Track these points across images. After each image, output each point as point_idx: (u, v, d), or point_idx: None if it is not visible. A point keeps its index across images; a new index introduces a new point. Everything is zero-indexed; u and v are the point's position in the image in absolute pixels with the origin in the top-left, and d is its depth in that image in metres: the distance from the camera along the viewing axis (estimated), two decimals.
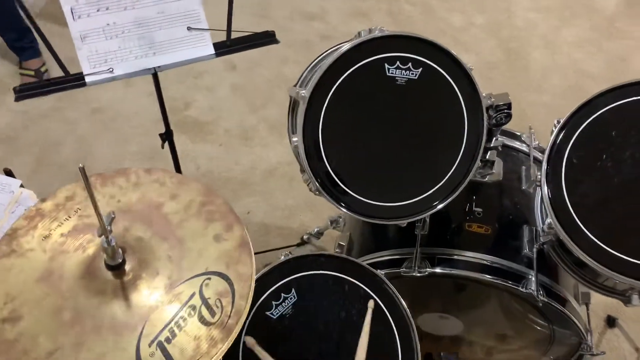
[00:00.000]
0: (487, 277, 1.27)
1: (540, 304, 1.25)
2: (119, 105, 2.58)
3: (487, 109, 1.21)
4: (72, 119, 2.53)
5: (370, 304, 1.12)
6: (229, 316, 0.86)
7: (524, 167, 1.47)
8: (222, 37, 1.29)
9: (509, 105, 1.23)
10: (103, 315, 0.83)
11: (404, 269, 1.30)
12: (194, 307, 0.86)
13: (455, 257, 1.31)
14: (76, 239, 0.91)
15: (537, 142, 1.54)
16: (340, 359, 1.10)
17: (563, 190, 1.10)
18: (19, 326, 0.81)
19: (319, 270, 1.18)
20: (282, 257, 1.20)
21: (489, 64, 2.86)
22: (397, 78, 1.13)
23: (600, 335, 1.85)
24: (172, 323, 0.84)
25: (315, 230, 1.99)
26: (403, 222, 1.17)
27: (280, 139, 2.47)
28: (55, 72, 1.22)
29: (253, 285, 0.89)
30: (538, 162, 1.47)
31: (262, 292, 1.14)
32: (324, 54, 1.29)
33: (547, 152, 1.12)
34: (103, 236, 0.83)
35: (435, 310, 1.48)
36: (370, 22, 3.14)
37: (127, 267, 0.88)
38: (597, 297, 1.33)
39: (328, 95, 1.12)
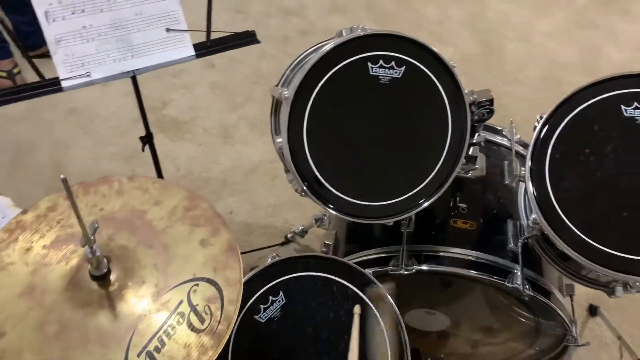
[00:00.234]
0: (473, 273, 1.28)
1: (527, 298, 1.26)
2: (95, 105, 2.54)
3: (470, 105, 1.22)
4: (47, 120, 2.48)
5: (356, 309, 1.11)
6: (219, 322, 0.85)
7: (506, 162, 1.48)
8: (202, 37, 1.27)
9: (491, 101, 1.24)
10: (89, 327, 0.82)
11: (391, 267, 1.30)
12: (182, 315, 0.84)
13: (442, 253, 1.31)
14: (59, 251, 0.88)
15: (518, 136, 1.55)
16: None
17: (547, 186, 1.10)
18: (2, 342, 0.79)
19: (307, 272, 1.17)
20: (270, 259, 1.19)
21: (466, 57, 2.88)
22: (380, 77, 1.13)
23: (582, 324, 1.88)
24: (161, 332, 0.82)
25: (300, 228, 1.98)
26: (390, 221, 1.17)
27: (261, 137, 2.45)
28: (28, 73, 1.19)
29: (241, 290, 0.88)
30: (520, 156, 1.48)
31: (249, 296, 1.13)
32: (306, 53, 1.27)
33: (530, 148, 1.13)
34: (87, 247, 0.81)
35: (422, 306, 1.48)
36: (348, 17, 3.13)
37: (113, 276, 0.86)
38: (579, 287, 1.35)
39: (312, 95, 1.11)
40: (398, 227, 1.34)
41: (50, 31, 1.11)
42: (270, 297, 1.14)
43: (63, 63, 1.13)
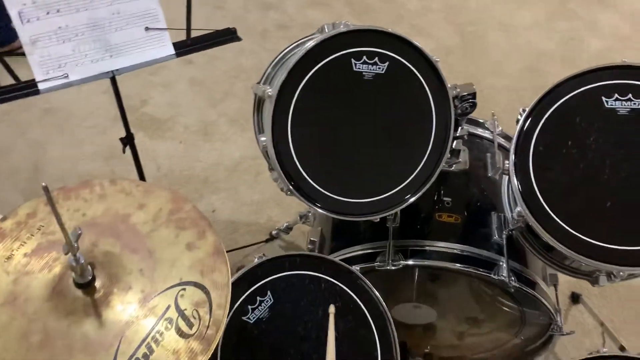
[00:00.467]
0: (459, 266, 1.28)
1: (512, 290, 1.27)
2: (72, 105, 2.49)
3: (453, 99, 1.22)
4: (22, 121, 2.42)
5: (331, 309, 1.10)
6: (207, 326, 0.84)
7: (488, 155, 1.49)
8: (182, 35, 1.25)
9: (473, 95, 1.24)
10: (74, 335, 0.80)
11: (378, 263, 1.30)
12: (170, 320, 0.83)
13: (427, 248, 1.32)
14: (41, 258, 0.86)
15: (500, 129, 1.56)
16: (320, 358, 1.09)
17: (532, 179, 1.11)
18: None
19: (294, 271, 1.17)
20: (256, 259, 1.18)
21: (447, 49, 2.89)
22: (364, 73, 1.12)
23: (565, 311, 1.91)
24: (149, 338, 0.81)
25: (285, 225, 1.97)
26: (376, 218, 1.17)
27: (242, 133, 2.43)
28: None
29: (229, 293, 0.88)
30: (502, 148, 1.49)
31: (237, 297, 1.12)
32: (287, 49, 1.26)
33: (514, 142, 1.13)
34: (70, 254, 0.79)
35: (409, 300, 1.49)
36: (328, 10, 3.12)
37: (98, 283, 0.84)
38: (561, 275, 1.37)
39: (295, 93, 1.10)
40: (384, 223, 1.34)
41: (24, 32, 1.08)
42: (258, 298, 1.13)
43: (39, 65, 1.10)
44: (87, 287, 0.83)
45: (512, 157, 1.12)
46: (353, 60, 1.11)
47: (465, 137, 1.37)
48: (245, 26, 2.98)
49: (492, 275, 1.27)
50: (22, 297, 0.83)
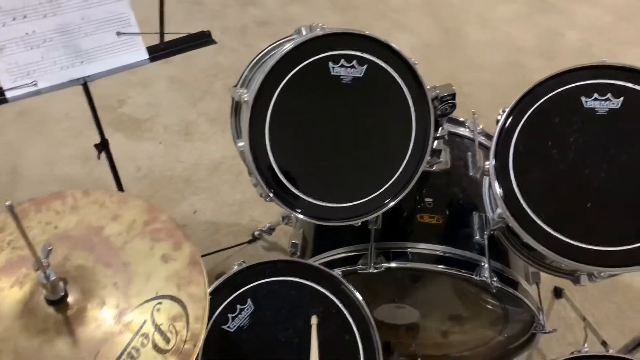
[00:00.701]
0: (441, 267, 1.28)
1: (494, 290, 1.27)
2: (47, 106, 2.43)
3: (433, 100, 1.21)
4: None
5: (313, 320, 1.09)
6: (185, 341, 0.82)
7: (469, 154, 1.49)
8: (156, 38, 1.22)
9: (453, 96, 1.23)
10: (46, 356, 0.78)
11: (360, 266, 1.29)
12: (146, 336, 0.81)
13: (409, 250, 1.31)
14: (11, 275, 0.84)
15: (481, 127, 1.56)
16: None
17: (512, 181, 1.11)
18: None
19: (275, 277, 1.15)
20: (236, 266, 1.16)
21: (428, 44, 2.88)
22: (342, 77, 1.10)
23: (548, 306, 1.92)
24: (125, 355, 0.79)
25: (267, 226, 1.96)
26: (357, 222, 1.16)
27: (222, 132, 2.40)
28: None
29: (207, 306, 0.86)
30: (483, 147, 1.49)
31: (216, 306, 1.10)
32: (265, 51, 1.24)
33: (493, 144, 1.13)
34: (40, 271, 0.77)
35: (392, 301, 1.48)
36: (308, 6, 3.09)
37: (70, 299, 0.82)
38: None
39: (272, 98, 1.08)
40: (366, 225, 1.33)
41: None
42: (238, 306, 1.11)
43: (6, 72, 1.06)
44: (59, 303, 0.81)
45: (492, 161, 1.12)
46: (331, 64, 1.09)
47: (446, 137, 1.37)
48: (224, 22, 2.94)
49: (474, 277, 1.26)
50: None
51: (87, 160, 2.24)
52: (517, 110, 1.14)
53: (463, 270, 1.28)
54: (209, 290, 1.11)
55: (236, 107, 1.24)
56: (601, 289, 1.95)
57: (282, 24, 2.92)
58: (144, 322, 0.82)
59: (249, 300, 1.12)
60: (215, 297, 1.11)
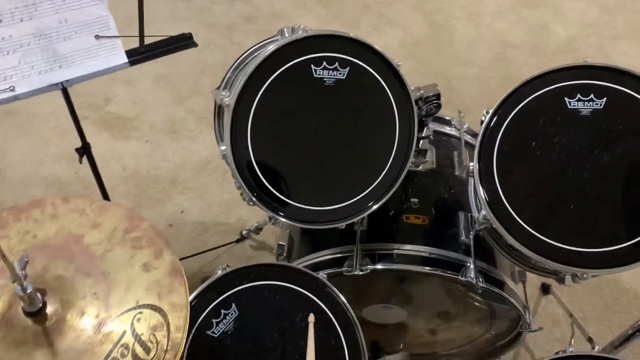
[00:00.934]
0: (427, 269, 1.27)
1: (480, 291, 1.27)
2: (32, 105, 2.40)
3: (417, 101, 1.20)
4: None
5: (311, 318, 1.09)
6: (166, 351, 0.81)
7: (455, 153, 1.48)
8: (136, 42, 1.20)
9: (438, 96, 1.23)
10: None
11: (345, 268, 1.29)
12: (126, 346, 0.81)
13: (395, 251, 1.30)
14: None
15: (466, 125, 1.55)
16: None
17: (496, 183, 1.10)
18: None
19: (259, 282, 1.14)
20: (220, 271, 1.16)
21: (415, 39, 2.86)
22: (325, 79, 1.09)
23: (536, 302, 1.93)
24: None
25: (254, 225, 1.95)
26: (342, 225, 1.15)
27: (209, 130, 2.35)
28: None
29: (188, 315, 0.85)
30: (469, 145, 1.49)
31: (200, 311, 1.09)
32: (248, 53, 1.22)
33: (477, 145, 1.12)
34: (16, 284, 0.76)
35: (379, 301, 1.48)
36: (295, 0, 3.06)
37: (49, 310, 0.81)
38: None
39: (254, 101, 1.07)
40: (351, 226, 1.32)
41: None
42: (222, 311, 1.11)
43: None
44: (37, 315, 0.80)
45: (476, 164, 1.11)
46: (313, 67, 1.09)
47: (431, 137, 1.37)
48: (210, 18, 2.91)
49: (459, 277, 1.26)
50: None
51: (74, 160, 2.19)
52: (501, 111, 1.14)
53: (449, 272, 1.28)
54: (192, 295, 1.11)
55: (219, 109, 1.22)
56: (588, 285, 1.96)
57: (269, 19, 2.89)
58: (124, 332, 0.82)
59: (233, 305, 1.11)
60: (199, 302, 1.11)
